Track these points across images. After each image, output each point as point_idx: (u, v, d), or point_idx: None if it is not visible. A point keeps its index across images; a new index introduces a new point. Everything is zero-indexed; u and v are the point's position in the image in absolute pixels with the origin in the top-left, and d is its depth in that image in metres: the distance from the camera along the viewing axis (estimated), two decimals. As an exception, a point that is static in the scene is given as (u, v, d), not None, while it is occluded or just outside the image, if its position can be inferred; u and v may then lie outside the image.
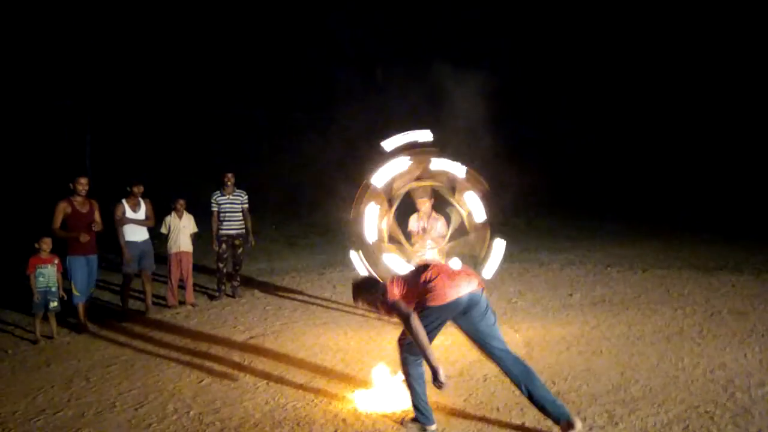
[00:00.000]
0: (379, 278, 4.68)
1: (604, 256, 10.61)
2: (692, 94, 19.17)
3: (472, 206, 5.56)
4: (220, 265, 7.90)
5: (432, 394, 3.92)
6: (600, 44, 19.67)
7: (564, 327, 6.22)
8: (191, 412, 4.29)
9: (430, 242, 6.15)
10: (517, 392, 3.82)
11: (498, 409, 4.15)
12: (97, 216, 6.54)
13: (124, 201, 7.07)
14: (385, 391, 4.39)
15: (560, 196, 17.71)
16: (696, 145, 18.86)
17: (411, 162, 5.37)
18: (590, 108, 19.61)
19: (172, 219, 7.54)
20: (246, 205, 7.90)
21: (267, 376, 4.97)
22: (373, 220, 5.45)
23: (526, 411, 4.03)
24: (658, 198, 17.53)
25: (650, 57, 19.79)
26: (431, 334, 3.69)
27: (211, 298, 7.96)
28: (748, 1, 18.33)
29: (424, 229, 6.22)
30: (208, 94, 19.07)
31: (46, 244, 6.18)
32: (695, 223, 14.18)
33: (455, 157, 5.50)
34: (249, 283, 8.66)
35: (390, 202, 5.72)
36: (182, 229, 7.54)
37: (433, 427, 3.84)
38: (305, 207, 15.84)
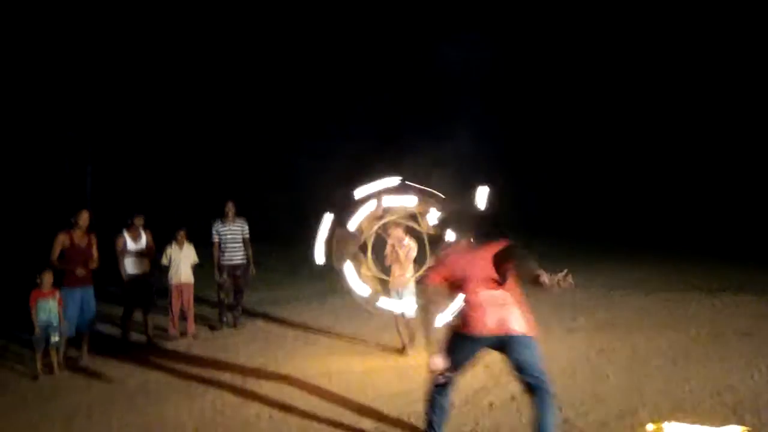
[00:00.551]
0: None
1: (606, 279, 10.57)
2: (691, 114, 19.30)
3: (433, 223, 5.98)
4: (222, 295, 7.87)
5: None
6: (599, 59, 19.89)
7: (569, 352, 6.17)
8: (194, 446, 4.23)
9: (411, 268, 6.40)
10: (524, 419, 3.77)
11: (505, 437, 4.10)
12: (94, 251, 6.54)
13: (125, 232, 7.07)
14: (391, 418, 4.34)
15: (558, 219, 17.73)
16: (696, 166, 18.93)
17: (373, 204, 5.88)
18: (589, 130, 19.76)
19: (172, 250, 7.53)
20: (247, 235, 7.90)
21: (270, 406, 4.92)
22: (354, 275, 5.95)
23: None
24: (659, 220, 17.55)
25: (649, 71, 19.94)
26: (457, 357, 3.66)
27: (213, 328, 7.91)
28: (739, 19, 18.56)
29: (392, 247, 6.38)
30: (212, 122, 19.30)
31: (48, 277, 6.15)
32: (697, 245, 14.17)
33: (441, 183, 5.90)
34: (250, 312, 8.62)
35: (364, 246, 6.22)
36: (183, 259, 7.52)
37: None
38: (308, 233, 15.83)
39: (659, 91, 19.82)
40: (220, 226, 7.80)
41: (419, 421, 4.34)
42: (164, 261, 7.52)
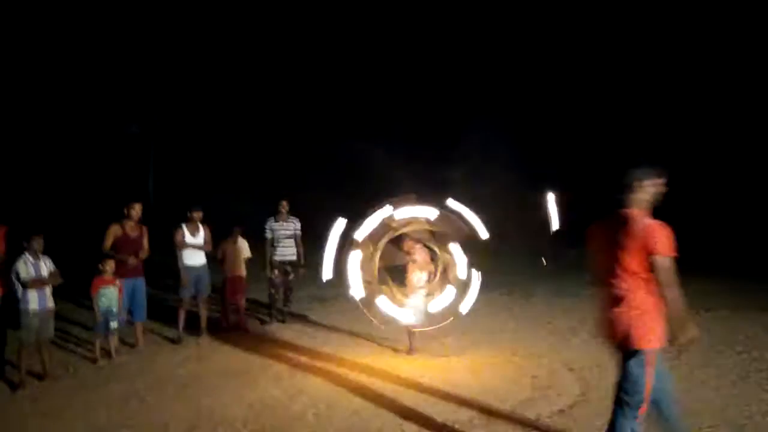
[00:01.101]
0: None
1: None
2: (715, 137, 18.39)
3: (456, 258, 6.14)
4: (272, 291, 8.02)
5: None
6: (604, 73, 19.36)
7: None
8: (241, 438, 4.32)
9: (424, 275, 6.47)
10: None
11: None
12: (145, 242, 6.77)
13: (183, 226, 7.29)
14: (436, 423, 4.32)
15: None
16: (754, 178, 17.99)
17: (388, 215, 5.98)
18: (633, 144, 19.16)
19: (227, 244, 7.73)
20: (299, 232, 8.03)
21: (315, 405, 4.98)
22: (356, 269, 6.17)
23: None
24: (720, 232, 16.78)
25: (660, 80, 19.16)
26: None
27: (262, 323, 8.06)
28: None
29: (408, 252, 6.44)
30: (272, 124, 19.70)
31: (110, 265, 6.41)
32: (761, 261, 13.48)
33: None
34: (299, 308, 8.73)
35: (375, 252, 6.34)
36: (237, 253, 7.71)
37: None
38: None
39: (670, 99, 18.97)
40: (273, 223, 7.95)
41: (465, 427, 4.32)
42: (219, 255, 7.72)
